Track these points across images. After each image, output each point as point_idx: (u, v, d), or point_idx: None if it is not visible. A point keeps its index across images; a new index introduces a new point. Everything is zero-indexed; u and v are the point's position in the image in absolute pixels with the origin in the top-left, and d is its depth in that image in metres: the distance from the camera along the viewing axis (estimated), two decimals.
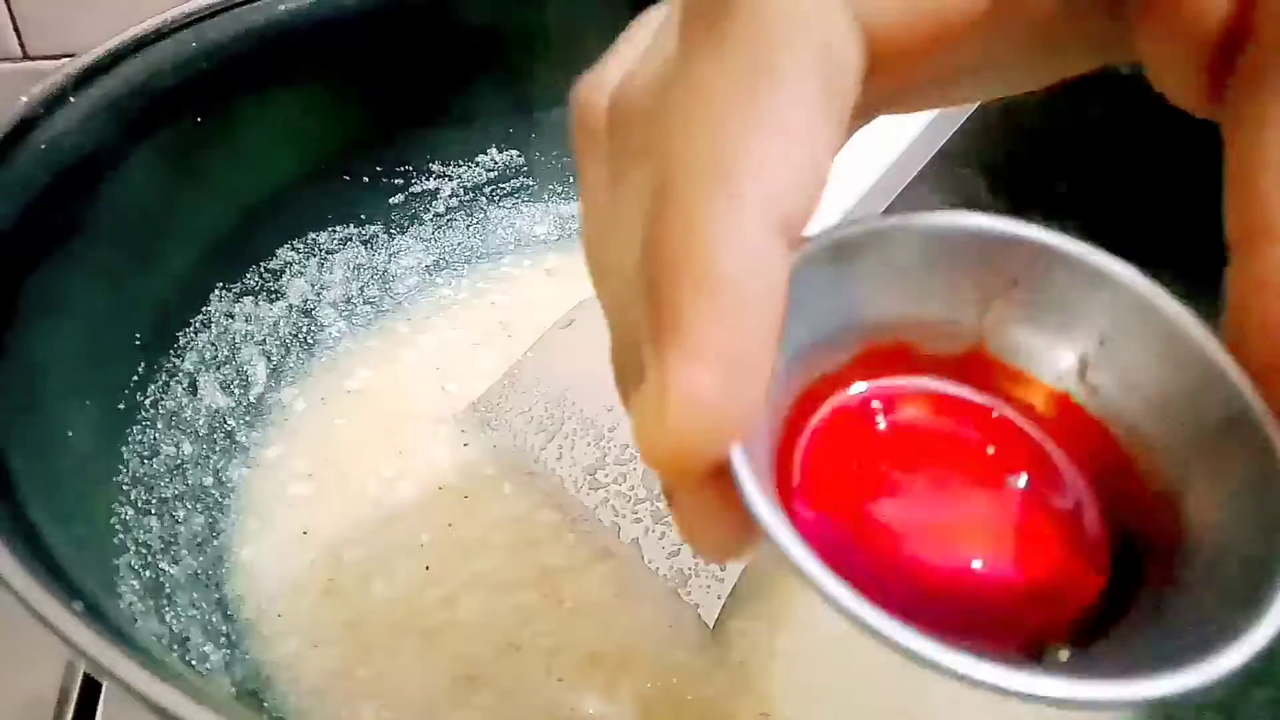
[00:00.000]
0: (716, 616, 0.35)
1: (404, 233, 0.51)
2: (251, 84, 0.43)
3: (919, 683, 0.36)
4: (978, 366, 0.18)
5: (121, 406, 0.37)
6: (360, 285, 0.49)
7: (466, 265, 0.52)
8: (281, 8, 0.43)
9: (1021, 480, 0.18)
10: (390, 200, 0.50)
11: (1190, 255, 0.41)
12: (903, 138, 0.41)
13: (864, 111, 0.17)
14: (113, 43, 0.38)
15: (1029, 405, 0.18)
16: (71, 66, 0.36)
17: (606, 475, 0.38)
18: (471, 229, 0.53)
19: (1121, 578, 0.17)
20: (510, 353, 0.44)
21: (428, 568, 0.37)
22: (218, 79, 0.41)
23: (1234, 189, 0.16)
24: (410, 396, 0.44)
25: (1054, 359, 0.18)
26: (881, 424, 0.18)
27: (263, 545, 0.38)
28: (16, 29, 0.56)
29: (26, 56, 0.57)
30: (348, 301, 0.48)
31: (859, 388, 0.18)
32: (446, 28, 0.48)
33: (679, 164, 0.14)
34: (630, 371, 0.18)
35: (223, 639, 0.34)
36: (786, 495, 0.17)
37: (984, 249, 0.17)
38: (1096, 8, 0.17)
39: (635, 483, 0.38)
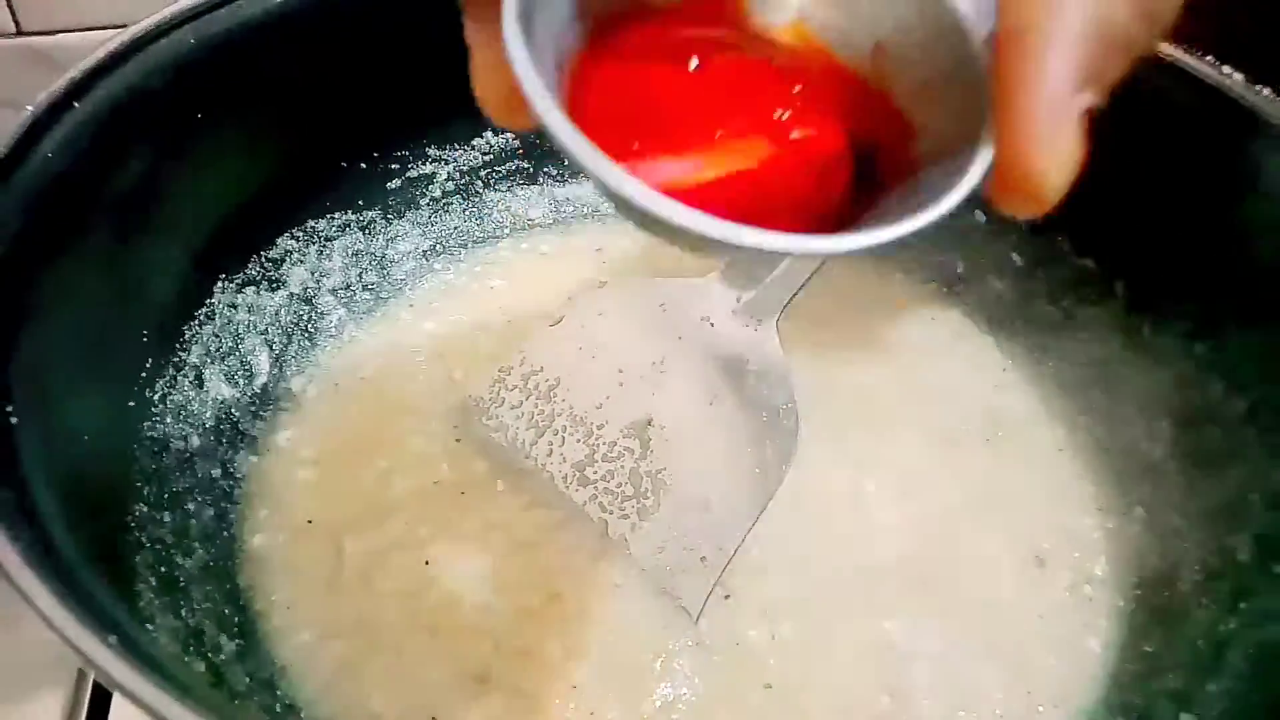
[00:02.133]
0: (700, 609, 0.37)
1: (401, 218, 0.52)
2: (248, 77, 0.43)
3: (900, 654, 0.38)
4: (795, 36, 0.23)
5: (132, 404, 0.38)
6: (359, 271, 0.50)
7: (464, 249, 0.53)
8: (276, 0, 0.43)
9: (796, 132, 0.22)
10: (388, 185, 0.51)
11: (1180, 252, 0.42)
12: None
13: None
14: (113, 44, 0.38)
15: (822, 75, 0.23)
16: (75, 70, 0.37)
17: (595, 472, 0.40)
18: (468, 213, 0.53)
19: (867, 186, 0.23)
20: (510, 338, 0.45)
21: (427, 563, 0.38)
22: (216, 74, 0.42)
23: None
24: (418, 384, 0.46)
25: (852, 41, 0.23)
26: (692, 64, 0.22)
27: (271, 534, 0.40)
28: (10, 5, 0.56)
29: (20, 33, 0.57)
30: (347, 288, 0.49)
31: (679, 30, 0.23)
32: (441, 13, 0.48)
33: None
34: None
35: (235, 629, 0.36)
36: (582, 97, 0.21)
37: None
38: None
39: (622, 480, 0.39)
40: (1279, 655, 0.35)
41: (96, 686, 0.42)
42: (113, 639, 0.23)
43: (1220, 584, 0.38)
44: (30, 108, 0.35)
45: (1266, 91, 0.38)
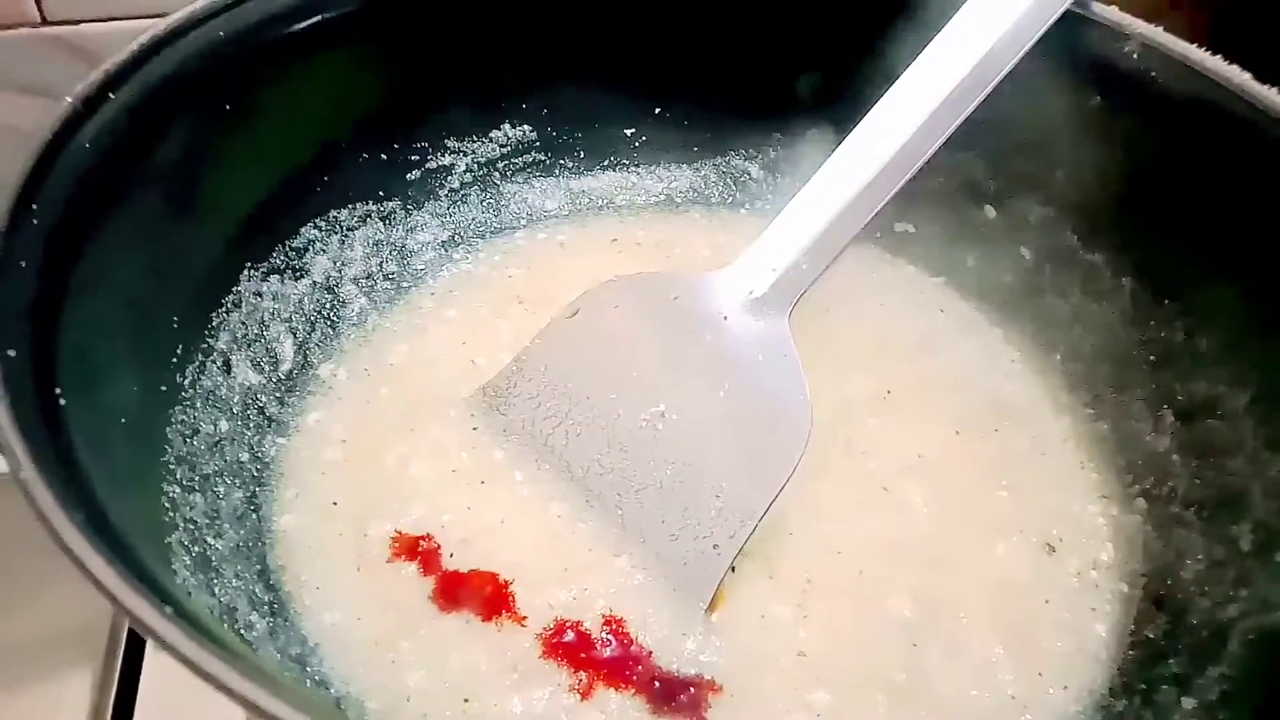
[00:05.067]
0: (710, 598, 0.38)
1: (420, 209, 0.52)
2: (275, 69, 0.44)
3: (914, 634, 0.39)
4: None
5: (164, 389, 0.39)
6: (380, 261, 0.51)
7: (481, 240, 0.54)
8: None
9: None
10: (407, 176, 0.52)
11: (1187, 248, 0.43)
12: (907, 127, 0.42)
13: None
14: (145, 37, 0.39)
15: None
16: (109, 64, 0.38)
17: (610, 462, 0.41)
18: (485, 204, 0.54)
19: None
20: (528, 326, 0.46)
21: (452, 555, 0.39)
22: (243, 67, 0.43)
23: None
24: (440, 371, 0.46)
25: None
26: None
27: (298, 515, 0.41)
28: None
29: (45, 22, 0.58)
30: (368, 278, 0.50)
31: None
32: (461, 7, 0.49)
33: None
34: None
35: (266, 608, 0.37)
36: None
37: None
38: None
39: (636, 470, 0.40)
40: (1278, 642, 0.36)
41: (126, 663, 0.43)
42: (169, 609, 0.24)
43: (1221, 572, 0.39)
44: (69, 98, 0.36)
45: (1275, 91, 0.39)
